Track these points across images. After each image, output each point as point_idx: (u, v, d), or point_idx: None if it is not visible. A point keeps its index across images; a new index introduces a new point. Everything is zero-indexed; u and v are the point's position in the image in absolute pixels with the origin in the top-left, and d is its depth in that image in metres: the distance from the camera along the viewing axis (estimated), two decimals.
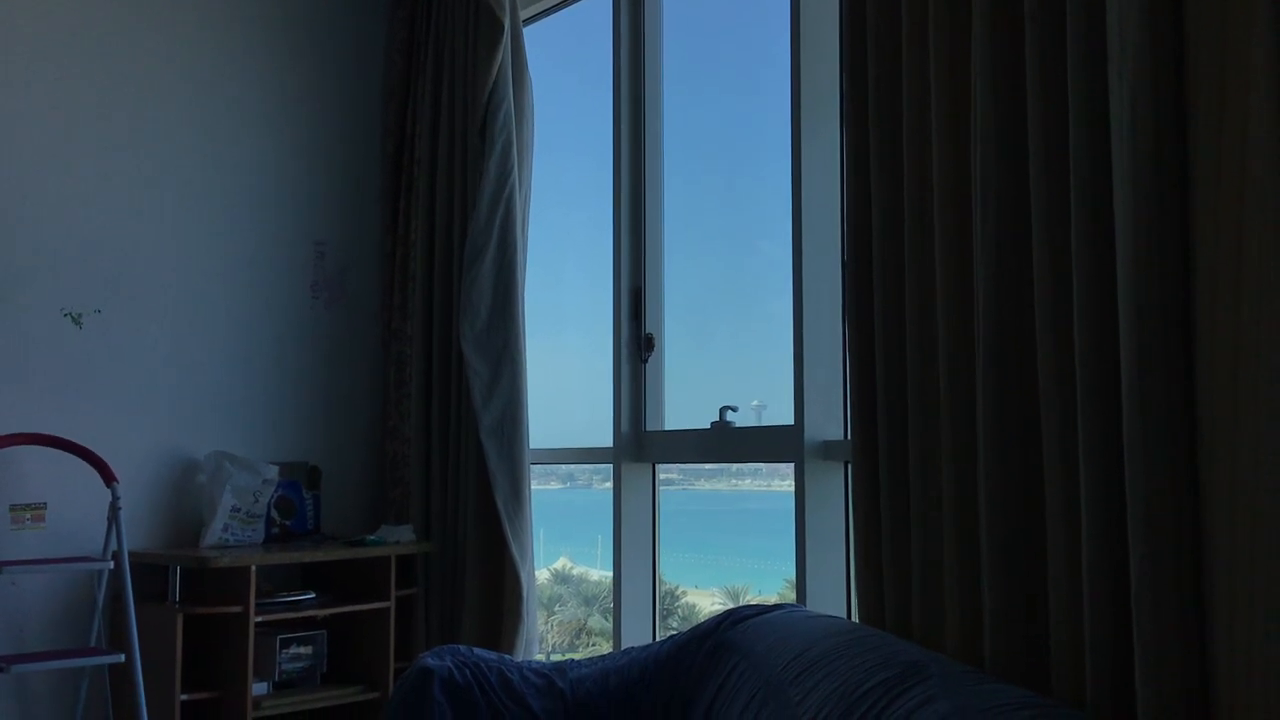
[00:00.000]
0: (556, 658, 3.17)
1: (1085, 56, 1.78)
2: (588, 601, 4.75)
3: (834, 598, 2.77)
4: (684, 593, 4.38)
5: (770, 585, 4.07)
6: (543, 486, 3.89)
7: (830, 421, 2.81)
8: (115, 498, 3.20)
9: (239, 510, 3.48)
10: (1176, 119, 1.61)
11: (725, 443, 3.16)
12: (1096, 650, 1.71)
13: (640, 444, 3.44)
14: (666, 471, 3.55)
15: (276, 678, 3.37)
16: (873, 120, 2.34)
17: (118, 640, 3.23)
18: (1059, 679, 1.82)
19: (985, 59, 2.01)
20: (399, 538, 3.61)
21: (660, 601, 3.52)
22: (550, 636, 4.64)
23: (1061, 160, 1.85)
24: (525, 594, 3.42)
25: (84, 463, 3.24)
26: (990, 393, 1.97)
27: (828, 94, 2.85)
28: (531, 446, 3.56)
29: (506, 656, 2.61)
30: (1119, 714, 1.69)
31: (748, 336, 3.36)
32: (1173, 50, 1.61)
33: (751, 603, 2.64)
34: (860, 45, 2.40)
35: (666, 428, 3.44)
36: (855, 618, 2.55)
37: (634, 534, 3.43)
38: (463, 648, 2.57)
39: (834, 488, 2.81)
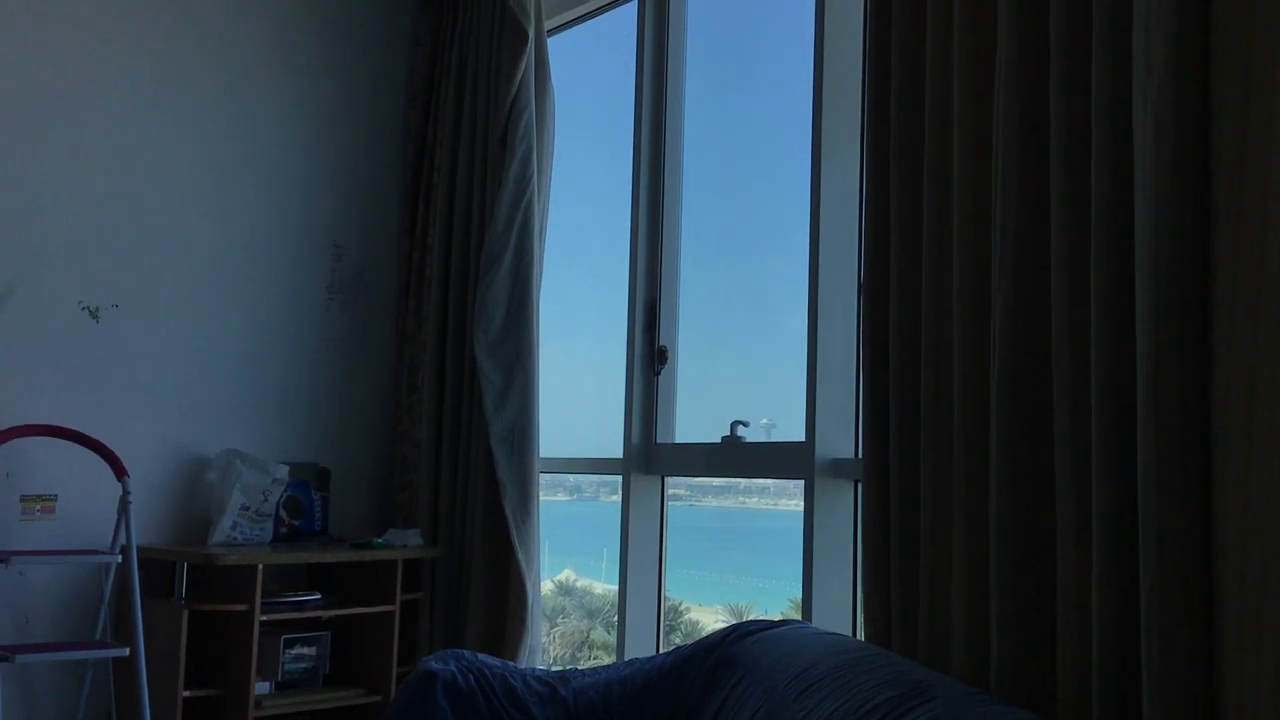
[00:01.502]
0: (558, 668, 3.16)
1: (1110, 80, 1.78)
2: (591, 614, 4.74)
3: (840, 616, 2.77)
4: (687, 609, 4.37)
5: (774, 604, 4.06)
6: (549, 498, 3.89)
7: (841, 439, 2.81)
8: (125, 492, 3.21)
9: (248, 509, 3.49)
10: (1200, 134, 1.61)
11: (735, 457, 3.16)
12: (1104, 674, 1.70)
13: (650, 456, 3.44)
14: (674, 487, 3.55)
15: (279, 677, 3.37)
16: (894, 138, 2.34)
17: (123, 634, 3.24)
18: (1066, 702, 1.81)
19: (1009, 79, 2.01)
20: (406, 541, 3.61)
21: (664, 617, 3.52)
22: (552, 648, 4.63)
23: (1083, 184, 1.85)
24: (530, 602, 3.41)
25: (96, 456, 3.25)
26: (1004, 415, 1.97)
27: (849, 110, 2.86)
28: (541, 455, 3.56)
29: (510, 663, 2.61)
30: None
31: (761, 351, 3.37)
32: (1198, 62, 1.61)
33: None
34: (883, 63, 2.41)
35: (677, 441, 3.44)
36: (861, 636, 2.54)
37: (641, 545, 3.43)
38: (467, 653, 2.57)
39: (843, 506, 2.80)
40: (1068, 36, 1.89)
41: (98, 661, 3.27)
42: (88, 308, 3.43)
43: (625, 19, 3.68)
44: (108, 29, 3.51)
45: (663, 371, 3.46)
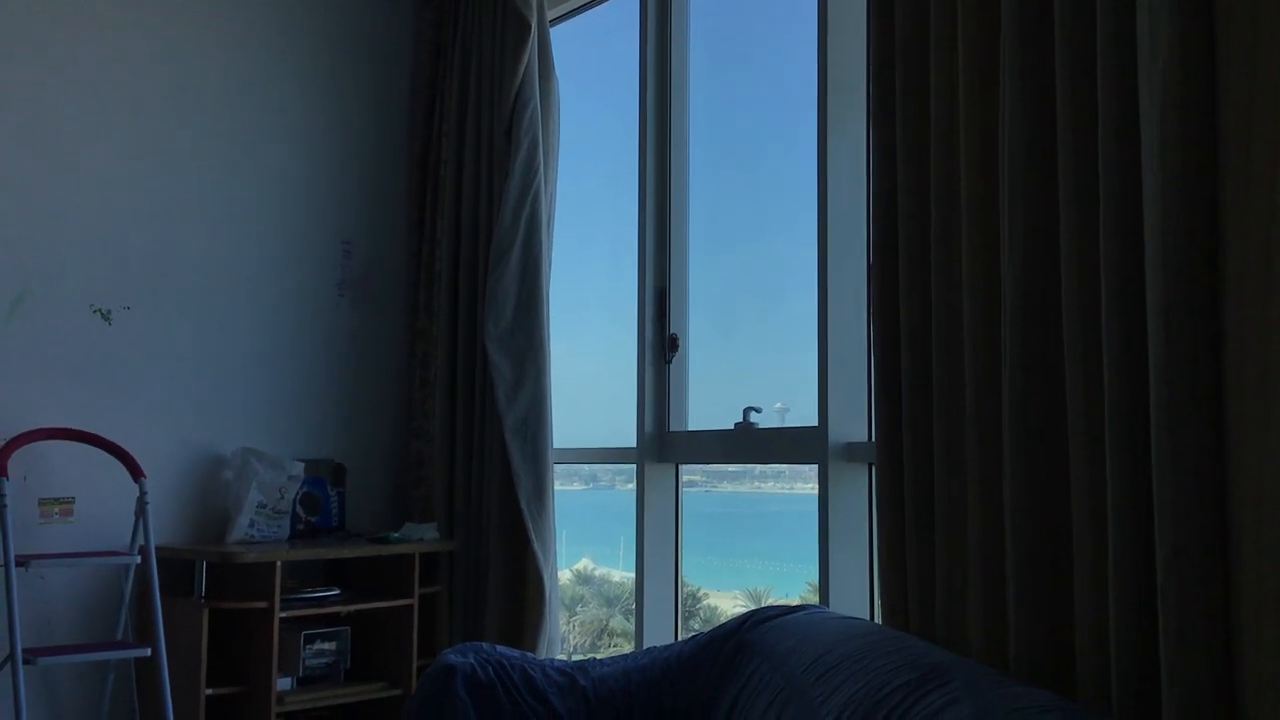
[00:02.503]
0: (578, 658, 3.18)
1: (1115, 59, 1.77)
2: (609, 602, 4.75)
3: (857, 600, 2.77)
4: (706, 595, 4.37)
5: (793, 588, 4.05)
6: (565, 487, 3.89)
7: (854, 423, 2.81)
8: (143, 492, 3.23)
9: (265, 506, 3.51)
10: (1206, 125, 1.60)
11: (748, 444, 3.16)
12: (1122, 652, 1.70)
13: (663, 444, 3.44)
14: (689, 473, 3.55)
15: (300, 673, 3.38)
16: (900, 119, 2.33)
17: (144, 634, 3.26)
18: (1084, 681, 1.81)
19: (1014, 58, 2.00)
20: (423, 535, 3.62)
21: (682, 603, 3.52)
22: (572, 637, 4.64)
23: (1090, 157, 1.84)
24: (548, 592, 3.42)
25: (112, 458, 3.27)
26: (1016, 394, 1.96)
27: (854, 92, 2.84)
28: (555, 446, 3.56)
29: (529, 654, 2.62)
30: (1145, 716, 1.67)
31: (772, 337, 3.36)
32: (1203, 57, 1.60)
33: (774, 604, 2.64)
34: (888, 42, 2.40)
35: (690, 428, 3.44)
36: (878, 620, 2.54)
37: (656, 534, 3.44)
38: (485, 645, 2.58)
39: (857, 490, 2.80)
40: (1072, 9, 1.88)
41: (120, 662, 3.29)
42: (99, 310, 3.45)
43: (628, 6, 3.66)
44: (114, 30, 3.51)
45: (674, 359, 3.46)
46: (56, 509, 3.30)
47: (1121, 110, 1.76)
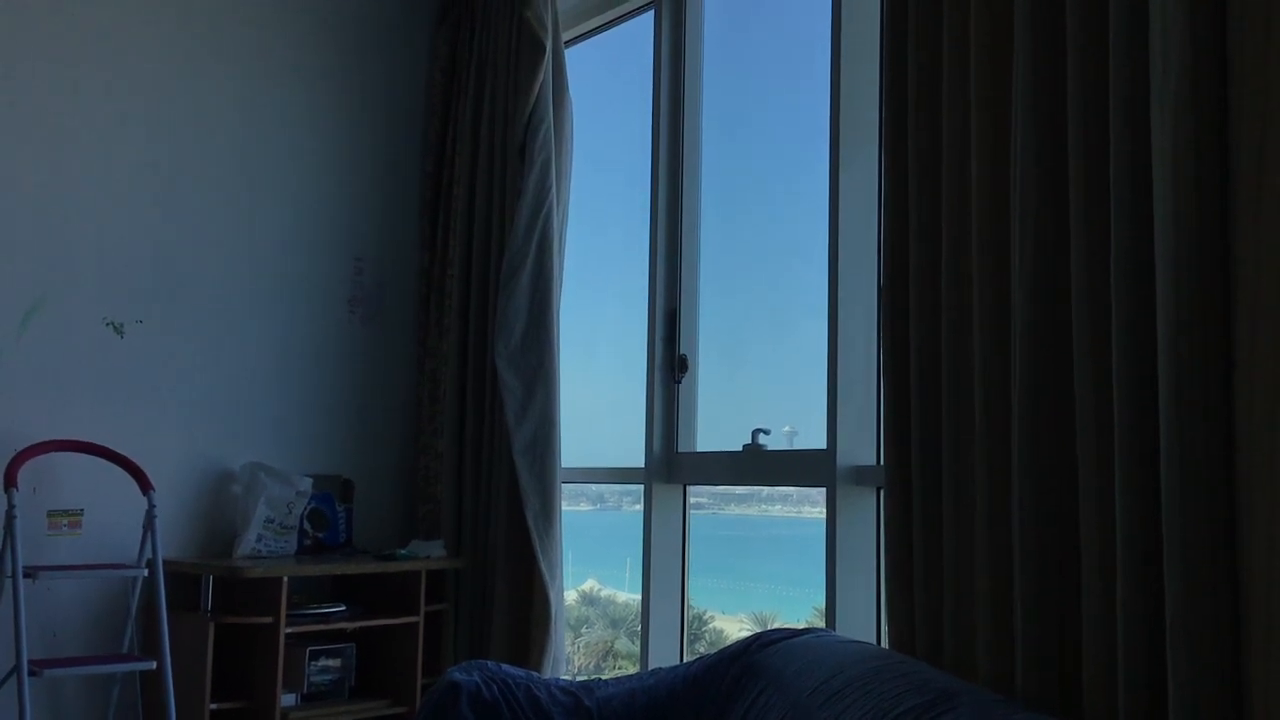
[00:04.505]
0: (582, 678, 3.17)
1: (1128, 82, 1.78)
2: (615, 624, 4.73)
3: (864, 624, 2.76)
4: (711, 617, 4.35)
5: (799, 612, 4.04)
6: (572, 508, 3.89)
7: (863, 446, 2.80)
8: (151, 506, 3.24)
9: (272, 521, 3.51)
10: (1218, 145, 1.60)
11: (757, 465, 3.16)
12: (1130, 680, 1.69)
13: (671, 465, 3.44)
14: (696, 495, 3.54)
15: (305, 689, 3.38)
16: (911, 143, 2.34)
17: (149, 647, 3.26)
18: (1092, 709, 1.80)
19: (1026, 86, 2.01)
20: (430, 553, 3.62)
21: (688, 626, 3.51)
22: (577, 658, 4.62)
23: (1101, 188, 1.85)
24: (554, 612, 3.42)
25: (121, 470, 3.28)
26: (1026, 421, 1.96)
27: (867, 116, 2.85)
28: (563, 465, 3.56)
29: (534, 674, 2.61)
30: None
31: (782, 359, 3.36)
32: (1216, 73, 1.61)
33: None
34: (900, 69, 2.40)
35: (698, 449, 3.44)
36: (886, 644, 2.53)
37: (663, 554, 3.43)
38: (490, 663, 2.57)
39: (866, 513, 2.79)
40: (1084, 39, 1.89)
41: (125, 675, 3.29)
42: (112, 323, 3.46)
43: (643, 29, 3.69)
44: (129, 48, 3.54)
45: (683, 380, 3.46)
46: (65, 521, 3.31)
47: (1134, 139, 1.76)
